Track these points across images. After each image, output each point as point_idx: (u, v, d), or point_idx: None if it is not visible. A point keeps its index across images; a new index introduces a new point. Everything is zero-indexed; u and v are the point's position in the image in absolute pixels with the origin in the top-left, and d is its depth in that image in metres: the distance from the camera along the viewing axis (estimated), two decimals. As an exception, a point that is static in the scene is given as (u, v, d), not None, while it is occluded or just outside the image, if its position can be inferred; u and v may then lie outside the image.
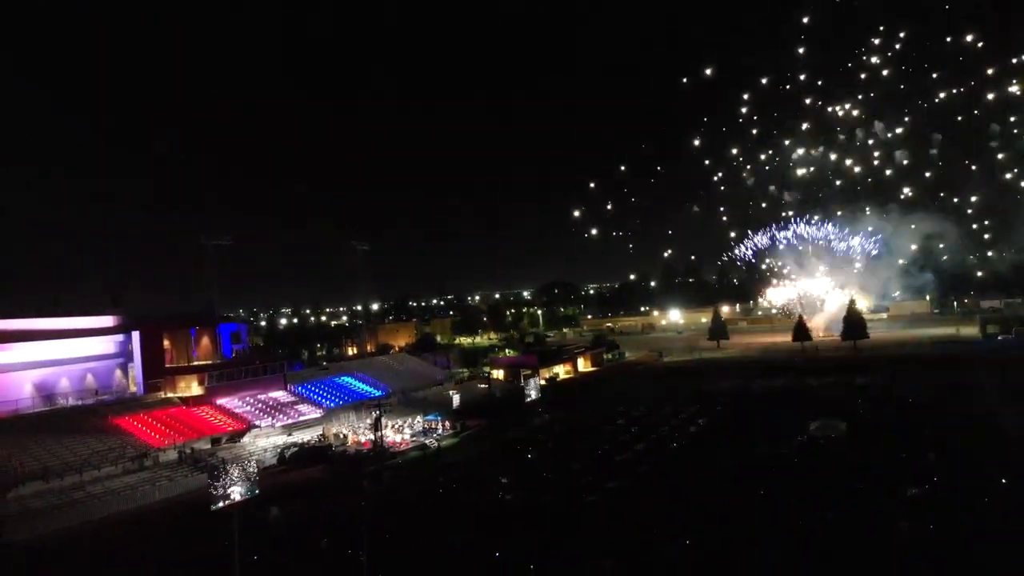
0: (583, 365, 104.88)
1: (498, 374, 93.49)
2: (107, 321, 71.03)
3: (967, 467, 38.22)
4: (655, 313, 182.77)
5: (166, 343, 64.84)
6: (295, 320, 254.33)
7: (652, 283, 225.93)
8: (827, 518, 32.28)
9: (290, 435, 60.91)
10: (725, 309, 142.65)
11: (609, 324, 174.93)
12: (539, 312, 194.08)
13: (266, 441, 59.18)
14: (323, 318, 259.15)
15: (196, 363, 65.34)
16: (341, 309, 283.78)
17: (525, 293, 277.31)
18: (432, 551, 32.43)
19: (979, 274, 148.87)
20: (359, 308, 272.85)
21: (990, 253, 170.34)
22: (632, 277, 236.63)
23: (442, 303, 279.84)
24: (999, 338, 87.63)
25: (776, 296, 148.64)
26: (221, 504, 42.57)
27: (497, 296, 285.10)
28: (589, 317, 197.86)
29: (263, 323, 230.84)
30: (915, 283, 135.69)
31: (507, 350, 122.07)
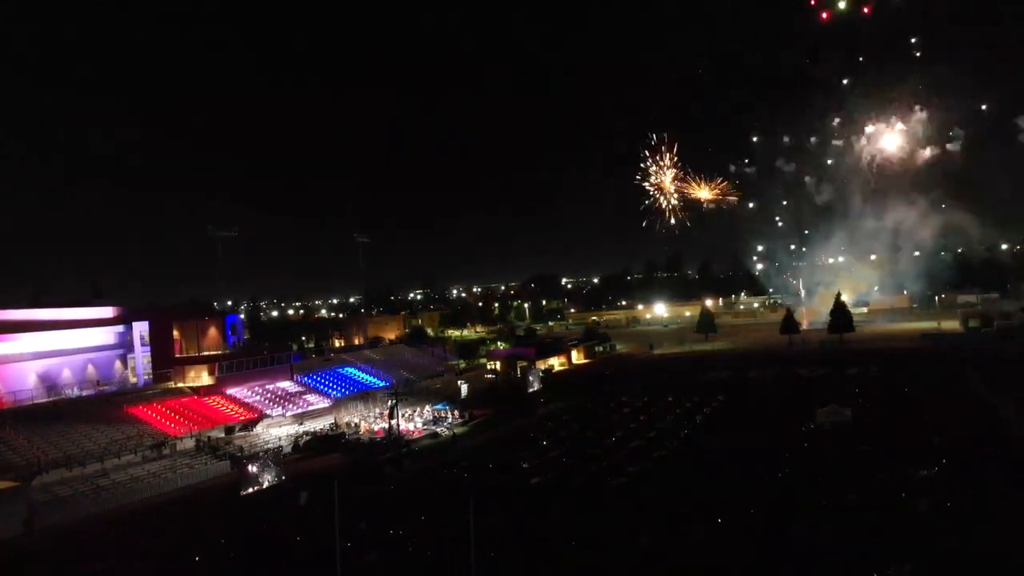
0: (577, 357, 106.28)
1: (494, 365, 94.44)
2: (108, 312, 70.57)
3: (970, 450, 40.21)
4: (640, 307, 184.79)
5: (175, 333, 64.71)
6: (275, 313, 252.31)
7: (629, 277, 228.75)
8: (848, 499, 33.94)
9: (301, 424, 61.34)
10: (708, 303, 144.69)
11: (594, 317, 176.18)
12: (526, 305, 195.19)
13: (278, 430, 59.52)
14: (302, 311, 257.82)
15: (206, 353, 65.31)
16: (318, 303, 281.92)
17: (503, 287, 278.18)
18: (471, 532, 33.33)
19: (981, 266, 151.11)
20: (335, 301, 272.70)
21: (960, 249, 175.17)
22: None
23: (419, 296, 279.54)
24: (982, 331, 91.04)
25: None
26: (251, 489, 43.38)
27: (476, 290, 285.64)
28: (573, 311, 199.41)
29: (242, 315, 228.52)
30: (932, 271, 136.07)
31: (499, 342, 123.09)
